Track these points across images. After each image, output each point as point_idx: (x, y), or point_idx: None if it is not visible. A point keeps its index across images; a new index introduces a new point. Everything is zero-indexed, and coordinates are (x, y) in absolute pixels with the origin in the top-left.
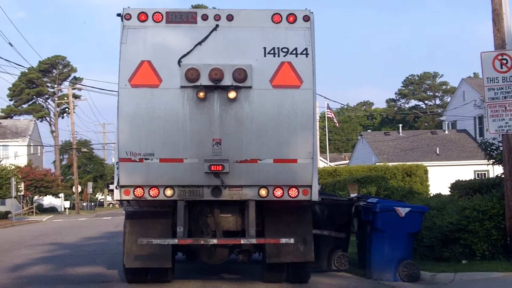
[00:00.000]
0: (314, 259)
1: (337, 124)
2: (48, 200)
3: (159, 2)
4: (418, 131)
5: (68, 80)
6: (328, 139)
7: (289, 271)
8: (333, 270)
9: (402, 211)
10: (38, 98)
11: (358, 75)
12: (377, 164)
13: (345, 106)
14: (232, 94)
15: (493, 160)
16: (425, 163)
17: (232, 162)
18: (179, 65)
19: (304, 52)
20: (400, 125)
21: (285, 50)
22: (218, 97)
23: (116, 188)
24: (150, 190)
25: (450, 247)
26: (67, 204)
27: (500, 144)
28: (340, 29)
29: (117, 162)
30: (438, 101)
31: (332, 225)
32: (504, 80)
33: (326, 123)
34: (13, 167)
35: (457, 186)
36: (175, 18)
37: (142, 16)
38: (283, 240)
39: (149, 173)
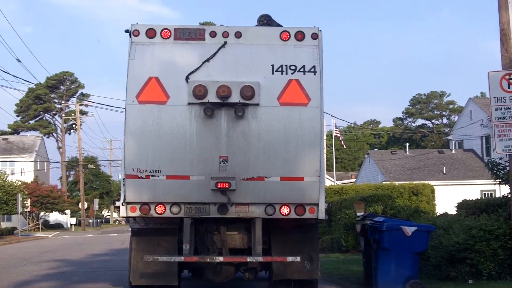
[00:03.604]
0: (320, 277)
1: (343, 144)
2: (54, 217)
3: (166, 19)
4: (425, 150)
5: (75, 96)
6: (335, 157)
7: None
8: None
9: (409, 230)
10: (45, 114)
11: (365, 94)
12: (383, 182)
13: (352, 125)
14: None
15: (500, 180)
16: (431, 182)
17: (238, 180)
18: (187, 81)
19: (312, 69)
20: (407, 144)
21: (293, 67)
22: (226, 114)
23: (122, 205)
24: (157, 207)
25: (457, 267)
26: (73, 220)
27: (507, 164)
28: (347, 48)
29: (123, 179)
30: (445, 120)
31: None
32: (511, 100)
33: (333, 141)
34: (19, 183)
35: (463, 206)
36: (183, 34)
37: (150, 33)
38: (290, 259)
39: (155, 190)
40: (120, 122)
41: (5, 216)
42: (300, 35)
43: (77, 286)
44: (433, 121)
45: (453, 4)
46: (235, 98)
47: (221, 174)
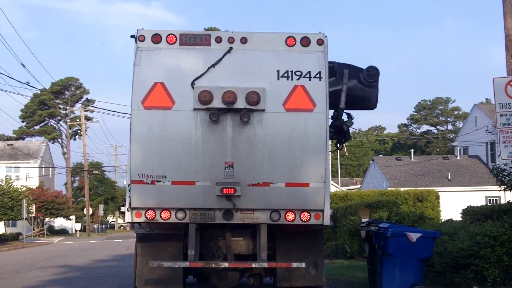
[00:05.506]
0: (325, 283)
1: (345, 150)
2: (59, 222)
3: (171, 25)
4: (430, 156)
5: (80, 101)
6: (340, 163)
7: None
8: None
9: (414, 236)
10: (50, 120)
11: None
12: (388, 189)
13: (357, 131)
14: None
15: (505, 186)
16: (436, 189)
17: (244, 185)
18: (192, 87)
19: (318, 75)
20: (412, 150)
21: (298, 73)
22: (231, 120)
23: (127, 210)
24: (162, 213)
25: (461, 273)
26: (78, 226)
27: None
28: (352, 53)
29: (128, 184)
30: (450, 127)
31: None
32: None
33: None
34: (24, 188)
35: (468, 212)
36: (189, 40)
37: (156, 38)
38: (295, 265)
39: (160, 195)
40: (125, 127)
41: (10, 221)
42: (305, 41)
43: None
44: (438, 127)
45: (458, 11)
46: (241, 103)
47: (226, 180)
